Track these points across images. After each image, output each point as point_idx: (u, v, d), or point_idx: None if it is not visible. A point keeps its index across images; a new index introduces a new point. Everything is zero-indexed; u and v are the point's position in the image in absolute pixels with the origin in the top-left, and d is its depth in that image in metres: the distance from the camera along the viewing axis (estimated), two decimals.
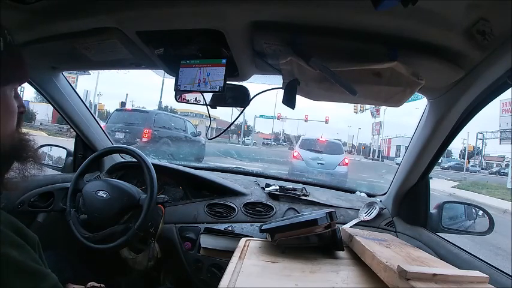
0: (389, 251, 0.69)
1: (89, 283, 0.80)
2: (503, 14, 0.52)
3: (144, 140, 6.11)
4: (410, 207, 1.07)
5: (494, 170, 19.81)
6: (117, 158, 1.40)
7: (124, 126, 6.27)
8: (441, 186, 9.19)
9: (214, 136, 5.91)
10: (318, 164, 6.28)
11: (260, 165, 8.10)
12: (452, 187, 10.26)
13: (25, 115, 0.52)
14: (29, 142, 0.50)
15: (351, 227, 0.99)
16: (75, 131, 1.32)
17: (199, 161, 6.45)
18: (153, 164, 1.04)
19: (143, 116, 6.61)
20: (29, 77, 0.52)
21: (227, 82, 0.80)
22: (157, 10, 0.65)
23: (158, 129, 6.50)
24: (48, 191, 1.15)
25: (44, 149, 1.42)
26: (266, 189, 1.23)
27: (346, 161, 6.55)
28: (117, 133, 6.14)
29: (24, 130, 0.51)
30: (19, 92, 0.50)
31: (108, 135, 1.41)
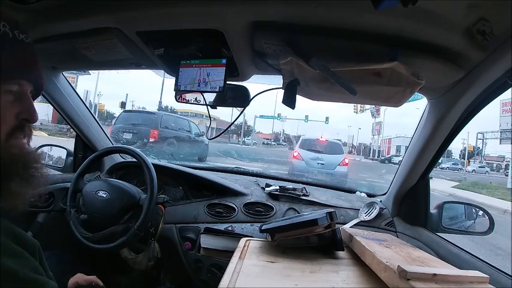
0: (390, 251, 0.69)
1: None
2: (503, 14, 0.52)
3: (151, 140, 6.34)
4: (411, 207, 1.07)
5: (469, 169, 20.07)
6: (117, 158, 1.40)
7: (132, 127, 6.48)
8: (441, 186, 9.19)
9: (214, 136, 5.96)
10: (318, 164, 6.25)
11: (260, 165, 8.10)
12: (452, 187, 10.26)
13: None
14: (27, 157, 0.43)
15: (351, 227, 0.99)
16: (75, 131, 1.32)
17: (203, 161, 6.70)
18: (153, 164, 1.04)
19: (150, 118, 6.83)
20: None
21: (227, 82, 0.80)
22: (157, 10, 0.65)
23: (164, 130, 6.71)
24: (48, 191, 1.15)
25: (44, 149, 1.42)
26: (266, 189, 1.23)
27: (346, 161, 6.54)
28: (124, 134, 6.35)
29: (24, 141, 0.43)
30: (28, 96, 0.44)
31: (108, 135, 1.41)
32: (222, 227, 1.07)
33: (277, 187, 1.23)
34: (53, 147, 1.45)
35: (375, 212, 1.10)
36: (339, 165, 6.28)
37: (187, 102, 0.98)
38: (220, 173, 1.44)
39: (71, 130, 1.47)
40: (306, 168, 6.17)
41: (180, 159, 5.70)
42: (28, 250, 0.41)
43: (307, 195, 1.20)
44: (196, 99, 0.96)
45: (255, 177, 1.41)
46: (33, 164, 0.44)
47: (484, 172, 20.22)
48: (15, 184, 0.41)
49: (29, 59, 0.44)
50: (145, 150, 5.70)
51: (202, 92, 0.89)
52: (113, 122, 6.94)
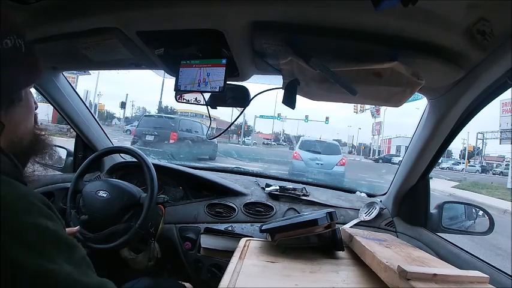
0: (390, 251, 0.69)
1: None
2: (503, 14, 0.52)
3: (171, 142, 7.13)
4: (411, 207, 1.07)
5: (460, 168, 20.38)
6: (117, 158, 1.40)
7: (153, 130, 7.22)
8: (441, 186, 9.19)
9: (214, 136, 6.07)
10: (317, 164, 6.46)
11: (260, 165, 8.11)
12: (452, 187, 10.25)
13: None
14: (46, 138, 0.53)
15: (351, 227, 0.99)
16: (75, 131, 1.32)
17: (213, 159, 7.69)
18: (153, 164, 1.04)
19: (170, 121, 7.78)
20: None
21: (227, 82, 0.80)
22: (157, 10, 0.65)
23: (182, 133, 7.51)
24: (48, 191, 1.15)
25: None
26: (266, 189, 1.23)
27: (344, 161, 6.85)
28: (147, 136, 7.08)
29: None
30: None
31: (108, 135, 1.41)
32: (222, 227, 1.07)
33: (277, 187, 1.23)
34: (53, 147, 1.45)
35: (375, 212, 1.10)
36: (336, 165, 6.51)
37: (187, 102, 0.98)
38: (220, 173, 1.44)
39: (71, 130, 1.47)
40: (305, 168, 6.36)
41: (195, 159, 6.25)
42: (57, 217, 0.43)
43: (307, 195, 1.20)
44: (196, 99, 0.96)
45: (255, 177, 1.41)
46: (49, 141, 0.55)
47: (474, 171, 20.94)
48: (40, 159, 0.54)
49: (38, 58, 0.48)
50: (166, 150, 6.42)
51: (202, 92, 0.89)
52: (136, 126, 8.01)
